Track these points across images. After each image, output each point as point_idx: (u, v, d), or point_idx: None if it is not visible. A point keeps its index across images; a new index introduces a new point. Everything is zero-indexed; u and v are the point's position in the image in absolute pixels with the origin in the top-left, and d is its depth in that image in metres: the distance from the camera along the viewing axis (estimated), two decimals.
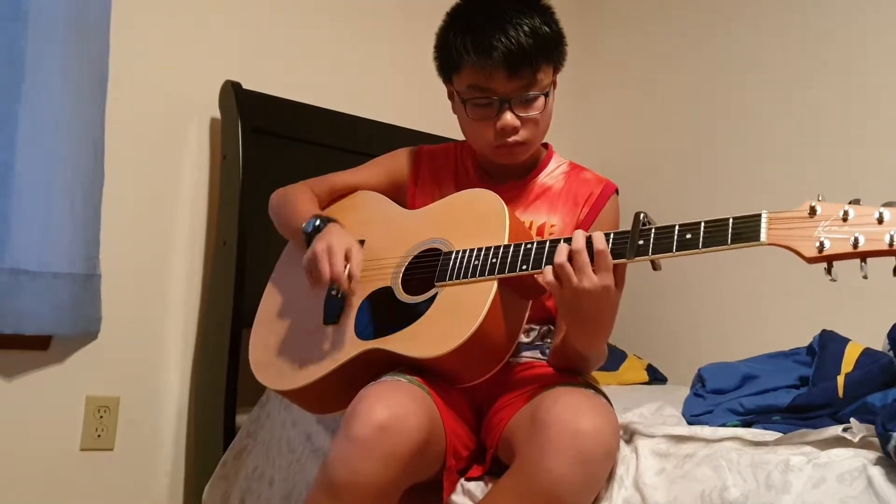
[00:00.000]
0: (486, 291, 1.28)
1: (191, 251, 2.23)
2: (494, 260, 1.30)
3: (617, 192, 1.53)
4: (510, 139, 1.43)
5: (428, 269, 1.39)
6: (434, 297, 1.34)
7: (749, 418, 1.55)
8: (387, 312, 1.38)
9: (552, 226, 1.48)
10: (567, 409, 1.18)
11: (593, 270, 1.18)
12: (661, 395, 1.98)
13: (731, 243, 1.10)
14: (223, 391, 2.05)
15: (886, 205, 1.01)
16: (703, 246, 1.12)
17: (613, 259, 1.19)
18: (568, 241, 1.23)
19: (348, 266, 1.36)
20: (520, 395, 1.35)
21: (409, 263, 1.42)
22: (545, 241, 1.28)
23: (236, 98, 2.17)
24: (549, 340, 1.48)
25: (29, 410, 1.95)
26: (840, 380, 1.54)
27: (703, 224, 1.13)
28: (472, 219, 1.40)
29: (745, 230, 1.09)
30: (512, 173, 1.54)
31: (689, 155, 2.85)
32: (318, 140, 2.31)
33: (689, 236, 1.14)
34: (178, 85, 2.22)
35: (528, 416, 1.24)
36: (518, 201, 1.51)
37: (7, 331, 1.85)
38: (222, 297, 2.12)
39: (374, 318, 1.39)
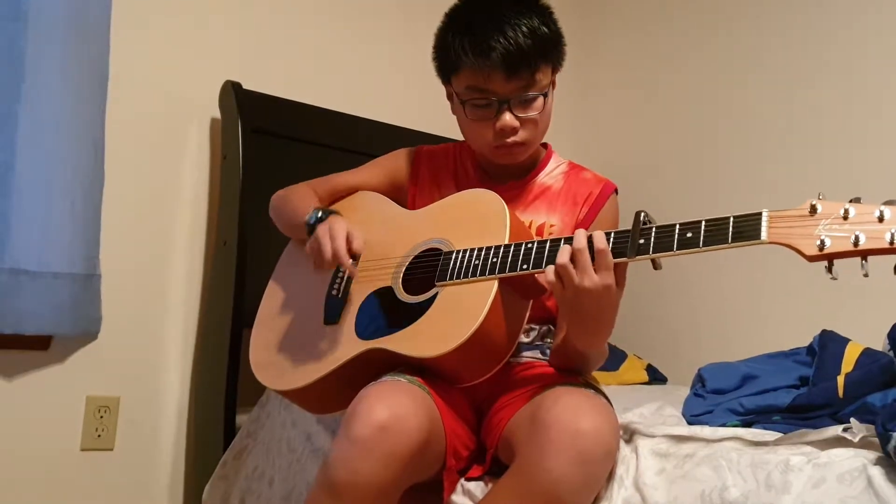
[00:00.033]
0: (486, 291, 1.28)
1: (191, 251, 2.23)
2: (495, 260, 1.30)
3: (616, 191, 1.53)
4: (509, 140, 1.43)
5: (428, 268, 1.39)
6: (434, 296, 1.34)
7: (749, 418, 1.55)
8: (387, 312, 1.38)
9: (551, 225, 1.48)
10: (567, 409, 1.18)
11: (594, 270, 1.18)
12: (661, 395, 1.98)
13: (732, 242, 1.10)
14: (223, 391, 2.05)
15: (887, 203, 1.01)
16: (704, 245, 1.12)
17: (614, 258, 1.19)
18: (569, 240, 1.23)
19: (353, 244, 1.37)
20: (520, 395, 1.35)
21: (410, 263, 1.42)
22: (545, 241, 1.28)
23: (236, 98, 2.17)
24: (549, 340, 1.48)
25: (29, 410, 1.96)
26: (840, 380, 1.54)
27: (703, 223, 1.13)
28: (472, 219, 1.40)
29: (746, 229, 1.09)
30: (511, 173, 1.54)
31: (690, 155, 2.85)
32: (318, 140, 2.31)
33: (689, 235, 1.14)
34: (179, 85, 2.22)
35: (528, 416, 1.24)
36: (517, 201, 1.51)
37: (7, 331, 1.86)
38: (222, 297, 2.12)
39: (374, 318, 1.39)
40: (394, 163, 1.64)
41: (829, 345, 1.75)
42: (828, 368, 1.67)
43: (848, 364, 1.65)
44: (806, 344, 1.84)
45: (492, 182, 1.52)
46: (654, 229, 1.18)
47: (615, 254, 1.19)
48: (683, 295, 2.74)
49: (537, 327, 1.47)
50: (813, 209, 1.05)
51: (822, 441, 1.16)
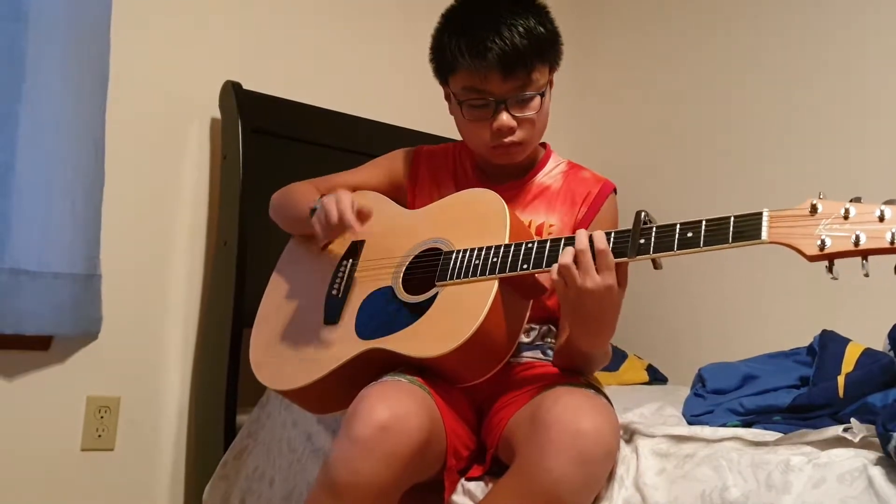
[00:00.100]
0: (486, 291, 1.28)
1: (191, 251, 2.23)
2: (495, 259, 1.30)
3: (615, 191, 1.53)
4: (507, 139, 1.43)
5: (428, 268, 1.39)
6: (435, 296, 1.34)
7: (749, 418, 1.55)
8: (387, 312, 1.38)
9: (551, 225, 1.48)
10: (567, 409, 1.18)
11: (596, 270, 1.19)
12: (662, 395, 1.98)
13: (733, 242, 1.10)
14: (223, 391, 2.05)
15: (887, 203, 1.01)
16: (705, 244, 1.12)
17: (615, 258, 1.19)
18: (569, 240, 1.23)
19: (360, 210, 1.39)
20: (520, 395, 1.35)
21: (410, 263, 1.42)
22: (546, 241, 1.28)
23: (237, 98, 2.17)
24: (549, 340, 1.48)
25: (29, 411, 1.96)
26: (840, 380, 1.54)
27: (704, 222, 1.13)
28: (472, 218, 1.40)
29: (747, 228, 1.09)
30: (510, 173, 1.54)
31: (689, 154, 2.85)
32: (318, 140, 2.31)
33: (690, 235, 1.14)
34: (179, 85, 2.22)
35: (529, 416, 1.24)
36: (516, 201, 1.51)
37: (7, 331, 1.86)
38: (223, 297, 2.12)
39: (374, 318, 1.38)
40: (393, 163, 1.64)
41: (829, 345, 1.75)
42: (828, 368, 1.67)
43: (848, 364, 1.65)
44: (806, 344, 1.84)
45: (490, 182, 1.52)
46: (654, 229, 1.18)
47: (616, 254, 1.19)
48: (684, 295, 2.74)
49: (537, 327, 1.47)
50: (813, 209, 1.05)
51: (823, 441, 1.16)
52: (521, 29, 1.37)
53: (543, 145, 1.58)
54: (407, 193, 1.60)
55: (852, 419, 1.19)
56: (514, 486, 1.20)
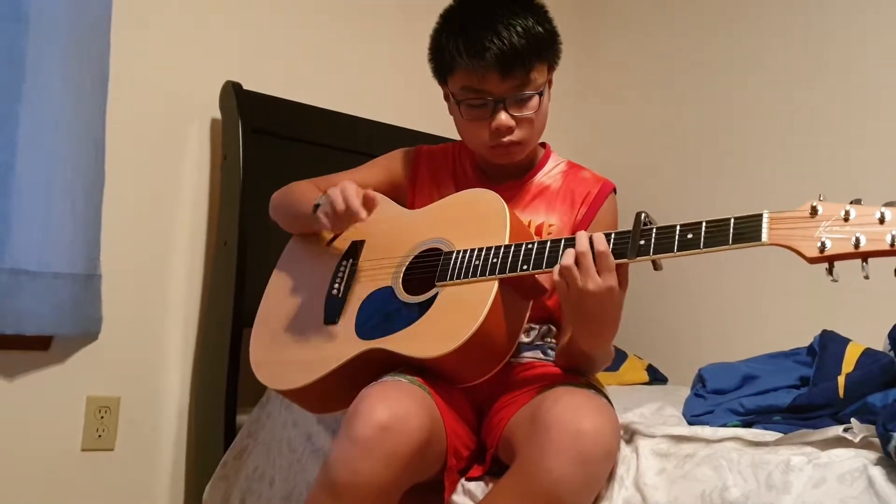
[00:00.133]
0: (486, 291, 1.28)
1: (191, 251, 2.23)
2: (495, 260, 1.30)
3: (615, 191, 1.53)
4: (505, 139, 1.43)
5: (429, 268, 1.39)
6: (435, 296, 1.34)
7: (749, 418, 1.55)
8: (387, 312, 1.38)
9: (550, 225, 1.48)
10: (568, 409, 1.18)
11: (597, 272, 1.19)
12: (662, 395, 1.98)
13: (733, 243, 1.10)
14: (223, 391, 2.05)
15: (888, 205, 1.01)
16: (705, 246, 1.12)
17: (615, 259, 1.19)
18: (570, 240, 1.23)
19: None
20: (520, 395, 1.35)
21: (410, 263, 1.42)
22: (546, 242, 1.28)
23: (237, 98, 2.17)
24: (549, 340, 1.48)
25: (30, 411, 1.95)
26: (841, 380, 1.54)
27: (704, 224, 1.13)
28: (472, 219, 1.40)
29: (747, 230, 1.09)
30: (510, 173, 1.54)
31: (690, 155, 2.85)
32: (318, 140, 2.31)
33: (690, 236, 1.14)
34: (179, 85, 2.22)
35: (529, 416, 1.24)
36: (516, 201, 1.51)
37: (7, 331, 1.85)
38: (223, 297, 2.12)
39: (374, 318, 1.39)
40: (393, 162, 1.64)
41: (829, 345, 1.75)
42: (828, 368, 1.67)
43: (848, 364, 1.65)
44: (806, 344, 1.84)
45: (490, 182, 1.52)
46: (654, 230, 1.18)
47: (616, 255, 1.19)
48: (684, 295, 2.74)
49: (537, 327, 1.47)
50: (814, 211, 1.05)
51: (823, 441, 1.16)
52: (518, 28, 1.38)
53: (543, 145, 1.58)
54: (407, 193, 1.60)
55: (852, 419, 1.18)
56: (515, 486, 1.20)
